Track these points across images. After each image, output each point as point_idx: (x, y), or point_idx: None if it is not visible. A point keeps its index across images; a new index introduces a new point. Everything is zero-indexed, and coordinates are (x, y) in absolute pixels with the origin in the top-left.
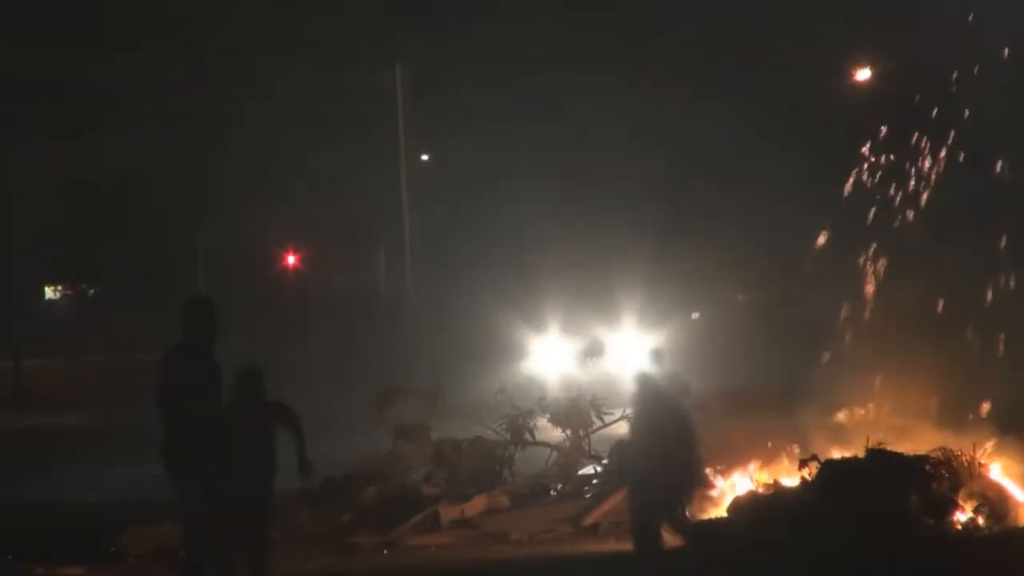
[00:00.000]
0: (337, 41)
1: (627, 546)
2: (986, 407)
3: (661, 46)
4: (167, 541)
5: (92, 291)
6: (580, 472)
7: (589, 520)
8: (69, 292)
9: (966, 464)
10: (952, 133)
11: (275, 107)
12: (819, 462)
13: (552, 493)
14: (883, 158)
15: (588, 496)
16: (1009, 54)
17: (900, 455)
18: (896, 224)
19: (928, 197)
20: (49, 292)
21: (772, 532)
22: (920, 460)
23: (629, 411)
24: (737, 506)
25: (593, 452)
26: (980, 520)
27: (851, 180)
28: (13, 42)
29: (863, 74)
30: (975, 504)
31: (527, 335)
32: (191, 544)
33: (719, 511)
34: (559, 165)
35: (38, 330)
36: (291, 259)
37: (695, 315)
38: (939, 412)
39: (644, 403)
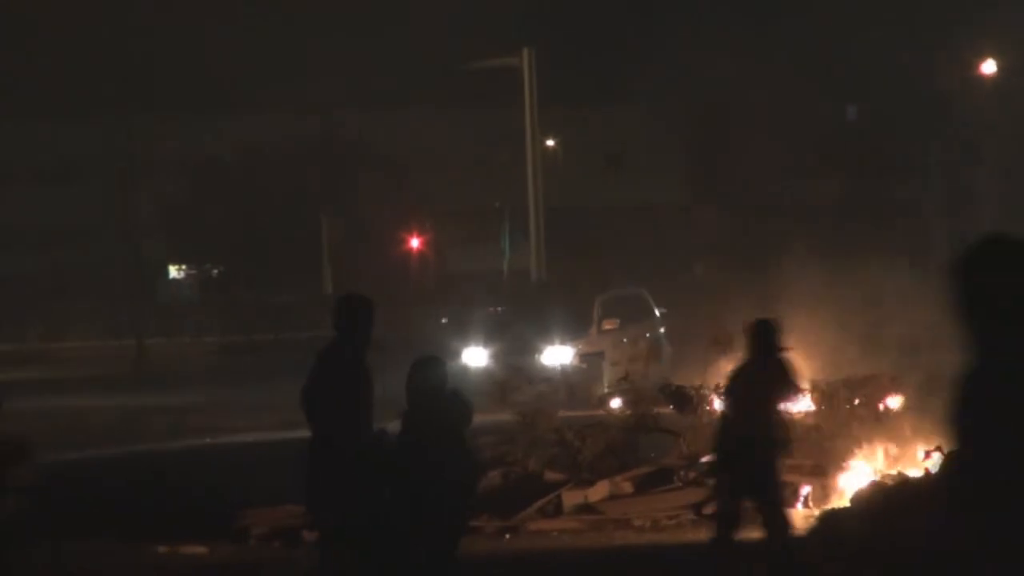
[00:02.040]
0: (469, 21)
1: (748, 534)
2: None
3: None
4: (287, 522)
5: (216, 271)
6: (703, 460)
7: (711, 508)
8: (193, 272)
9: None
10: None
11: (401, 88)
12: (943, 453)
13: (675, 480)
14: None
15: (711, 483)
16: None
17: None
18: None
19: None
20: (173, 271)
21: (893, 525)
22: None
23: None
24: (859, 498)
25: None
26: None
27: None
28: (144, 21)
29: None
30: None
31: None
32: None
33: (842, 502)
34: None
35: (161, 309)
36: (415, 242)
37: None
38: None
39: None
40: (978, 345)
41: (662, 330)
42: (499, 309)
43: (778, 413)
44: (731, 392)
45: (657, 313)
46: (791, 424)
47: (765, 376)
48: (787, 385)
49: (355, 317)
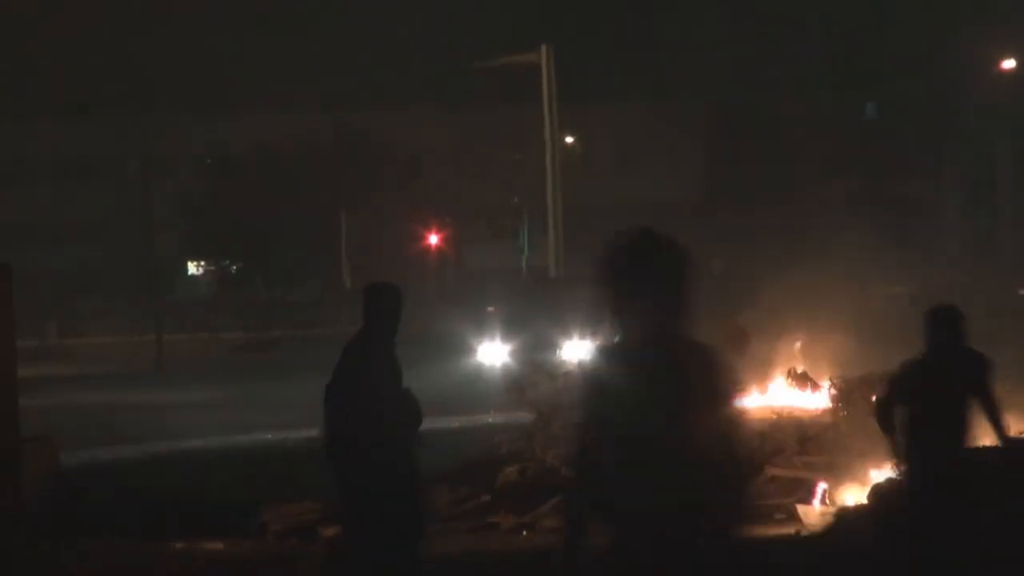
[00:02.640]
0: (485, 20)
1: (767, 530)
2: None
3: None
4: (305, 518)
5: (235, 267)
6: None
7: None
8: (212, 268)
9: None
10: None
11: (409, 86)
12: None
13: None
14: None
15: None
16: None
17: None
18: None
19: None
20: (192, 268)
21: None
22: None
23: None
24: (877, 493)
25: None
26: None
27: None
28: (158, 17)
29: None
30: None
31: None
32: None
33: (860, 498)
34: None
35: (180, 305)
36: (434, 238)
37: None
38: None
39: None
40: (619, 323)
41: None
42: (495, 309)
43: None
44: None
45: None
46: (809, 423)
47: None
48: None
49: (383, 305)
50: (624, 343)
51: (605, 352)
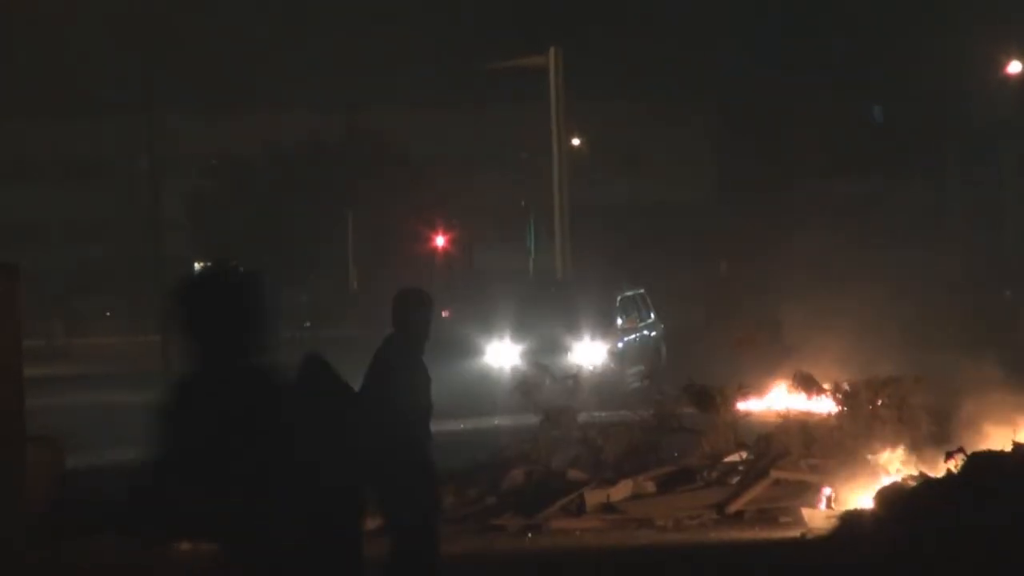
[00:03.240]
0: (491, 21)
1: (772, 533)
2: None
3: None
4: None
5: (242, 269)
6: (726, 459)
7: (734, 507)
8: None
9: None
10: None
11: (426, 86)
12: (965, 454)
13: (697, 480)
14: None
15: (734, 483)
16: None
17: None
18: None
19: None
20: (198, 268)
21: (914, 526)
22: None
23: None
24: (882, 497)
25: (739, 440)
26: None
27: None
28: (164, 16)
29: None
30: None
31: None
32: None
33: (864, 502)
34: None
35: None
36: (440, 239)
37: None
38: None
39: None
40: (191, 356)
41: (654, 332)
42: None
43: None
44: None
45: (652, 314)
46: (814, 426)
47: None
48: None
49: (414, 312)
50: (194, 373)
51: (178, 382)
